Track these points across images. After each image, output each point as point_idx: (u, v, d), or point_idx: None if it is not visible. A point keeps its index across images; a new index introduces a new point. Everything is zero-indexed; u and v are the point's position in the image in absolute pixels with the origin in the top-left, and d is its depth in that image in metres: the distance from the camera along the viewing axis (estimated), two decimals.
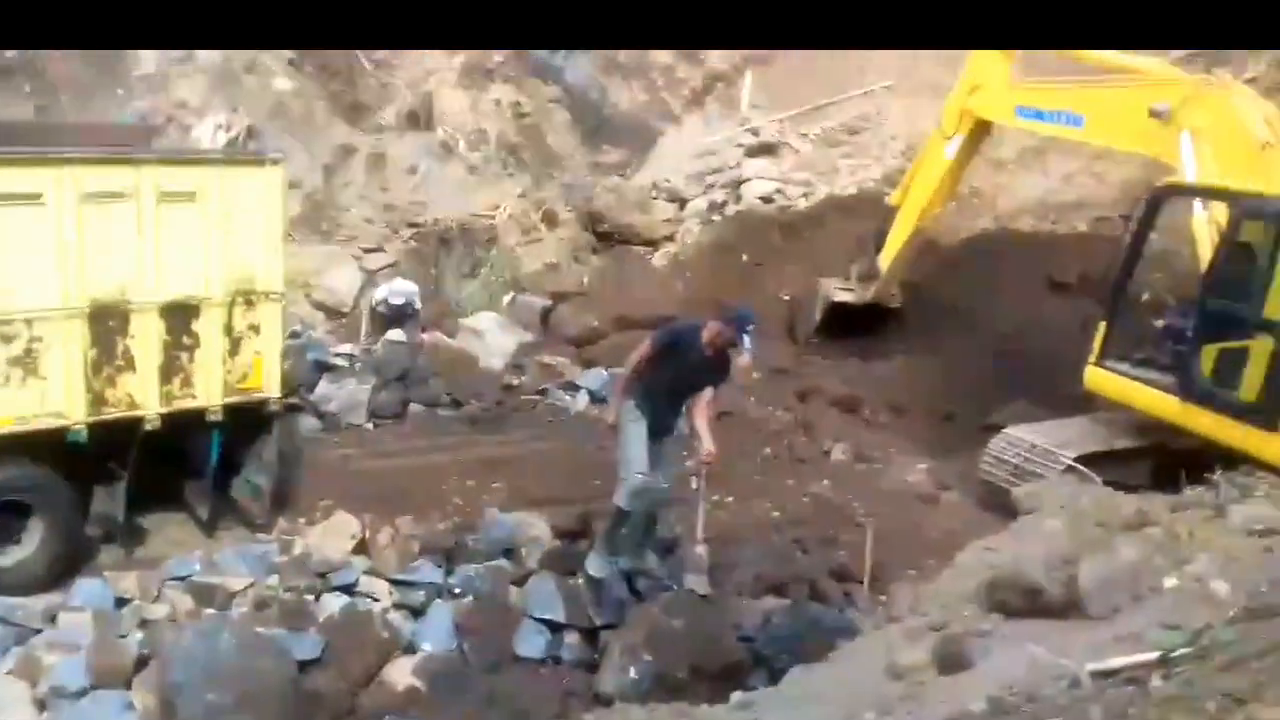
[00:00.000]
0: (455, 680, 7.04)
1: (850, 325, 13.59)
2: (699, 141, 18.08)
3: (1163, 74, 10.10)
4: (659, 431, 7.66)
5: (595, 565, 7.74)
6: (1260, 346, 8.45)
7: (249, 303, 8.22)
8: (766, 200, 16.31)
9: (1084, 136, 11.43)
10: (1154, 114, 9.59)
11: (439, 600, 7.69)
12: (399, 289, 12.46)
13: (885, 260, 13.13)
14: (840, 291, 13.54)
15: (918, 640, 5.26)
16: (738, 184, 16.74)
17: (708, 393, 7.61)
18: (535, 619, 7.63)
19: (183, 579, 7.51)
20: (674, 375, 7.48)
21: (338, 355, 11.71)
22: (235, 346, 8.21)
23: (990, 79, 11.89)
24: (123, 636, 6.92)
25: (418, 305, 12.50)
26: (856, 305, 13.49)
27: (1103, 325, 9.83)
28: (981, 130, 12.37)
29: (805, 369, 13.00)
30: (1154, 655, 3.71)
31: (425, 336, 12.36)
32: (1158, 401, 9.17)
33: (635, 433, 7.48)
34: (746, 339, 7.14)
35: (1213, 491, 5.79)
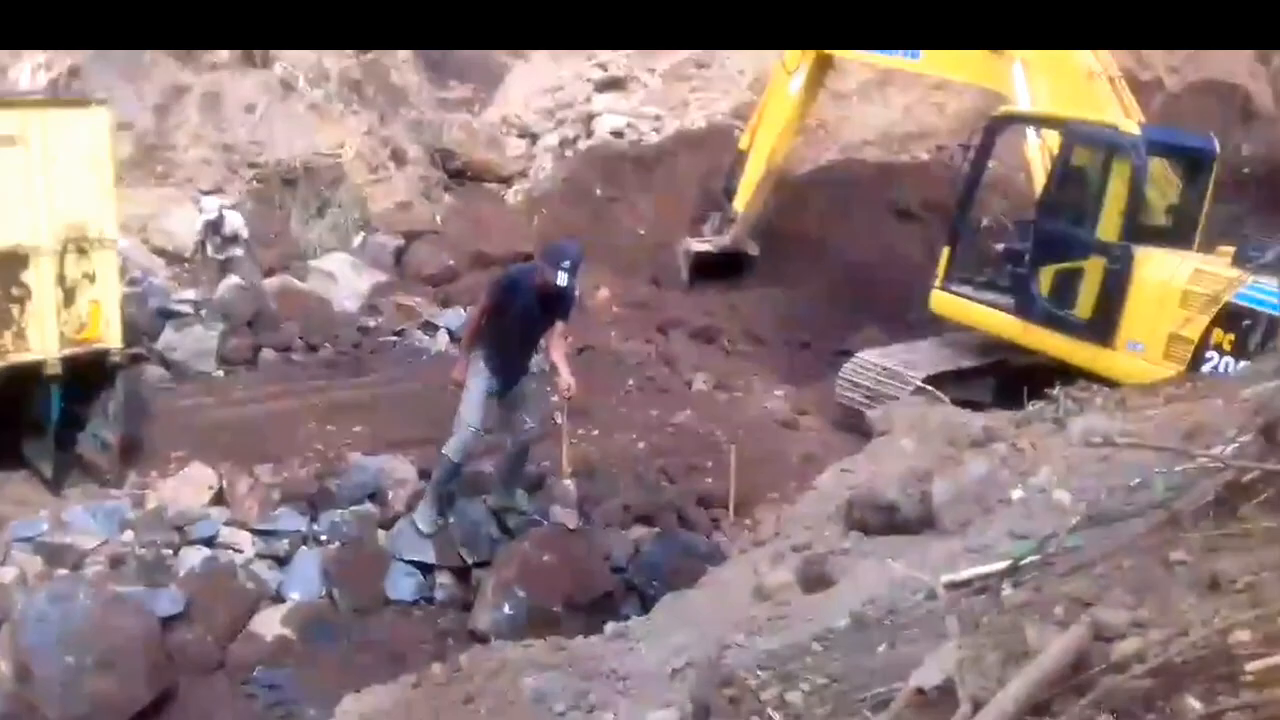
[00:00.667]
0: (326, 627, 6.98)
1: (716, 272, 13.81)
2: (548, 77, 17.86)
3: None
4: (514, 376, 7.74)
5: (423, 518, 7.80)
6: (1094, 266, 8.90)
7: (81, 250, 7.81)
8: (618, 135, 16.27)
9: (922, 68, 11.79)
10: None
11: (304, 548, 7.57)
12: (209, 206, 11.84)
13: (740, 204, 13.33)
14: (699, 243, 13.70)
15: (782, 562, 5.43)
16: (588, 119, 16.65)
17: (558, 327, 7.70)
18: (405, 561, 7.60)
19: (30, 540, 7.18)
20: (517, 319, 7.52)
21: (181, 301, 11.26)
22: (70, 297, 7.81)
23: None
24: None
25: (242, 231, 11.81)
26: (717, 254, 13.67)
27: (945, 250, 10.20)
28: (824, 64, 12.59)
29: (664, 302, 13.12)
30: (1003, 565, 3.90)
31: (273, 280, 11.97)
32: (1000, 322, 9.60)
33: (476, 386, 7.56)
34: (562, 275, 7.17)
35: (1052, 406, 6.09)
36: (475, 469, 8.26)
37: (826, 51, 12.28)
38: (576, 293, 7.96)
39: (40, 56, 12.91)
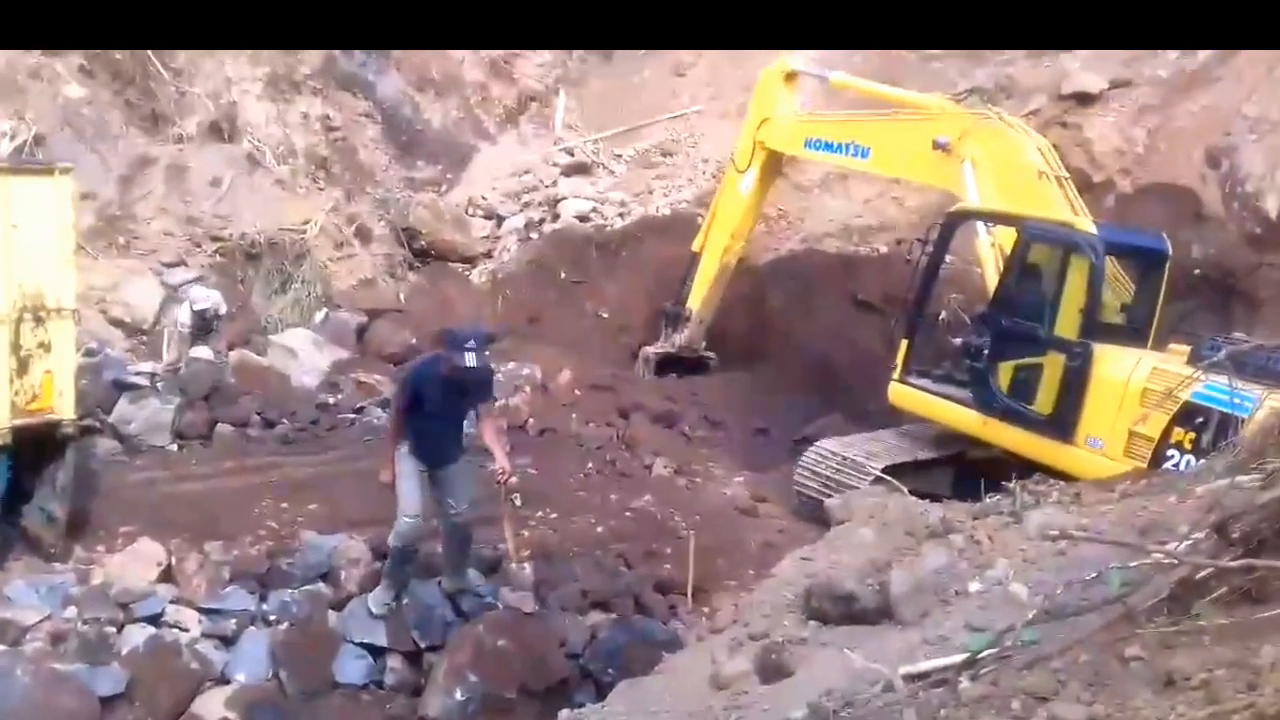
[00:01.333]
0: (272, 711, 6.82)
1: (678, 370, 13.94)
2: (514, 160, 18.06)
3: (943, 108, 10.72)
4: (441, 460, 7.70)
5: (376, 600, 7.76)
6: (1053, 363, 9.02)
7: (38, 319, 7.74)
8: (583, 219, 16.44)
9: (871, 167, 12.05)
10: (936, 146, 10.21)
11: (252, 628, 7.42)
12: (201, 296, 11.70)
13: (694, 303, 13.47)
14: (658, 349, 13.84)
15: (740, 650, 5.38)
16: (554, 202, 16.82)
17: (484, 410, 7.72)
18: (355, 644, 7.46)
19: None
20: (434, 409, 7.52)
21: (138, 374, 11.12)
22: (23, 366, 7.71)
23: (778, 111, 12.34)
24: None
25: (223, 311, 11.81)
26: (675, 354, 13.84)
27: (903, 343, 10.31)
28: (774, 163, 12.85)
29: (626, 386, 13.15)
30: (961, 657, 3.89)
31: (233, 354, 11.88)
32: (958, 415, 9.67)
33: (405, 472, 7.58)
34: (469, 356, 7.19)
35: (1009, 499, 6.13)
36: (430, 551, 8.16)
37: (776, 149, 12.53)
38: (493, 372, 8.10)
39: (4, 124, 12.90)
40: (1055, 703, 3.02)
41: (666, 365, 13.94)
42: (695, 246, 13.54)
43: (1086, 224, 9.05)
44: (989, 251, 9.94)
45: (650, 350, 13.93)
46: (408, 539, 7.58)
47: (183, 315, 11.27)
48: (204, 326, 11.33)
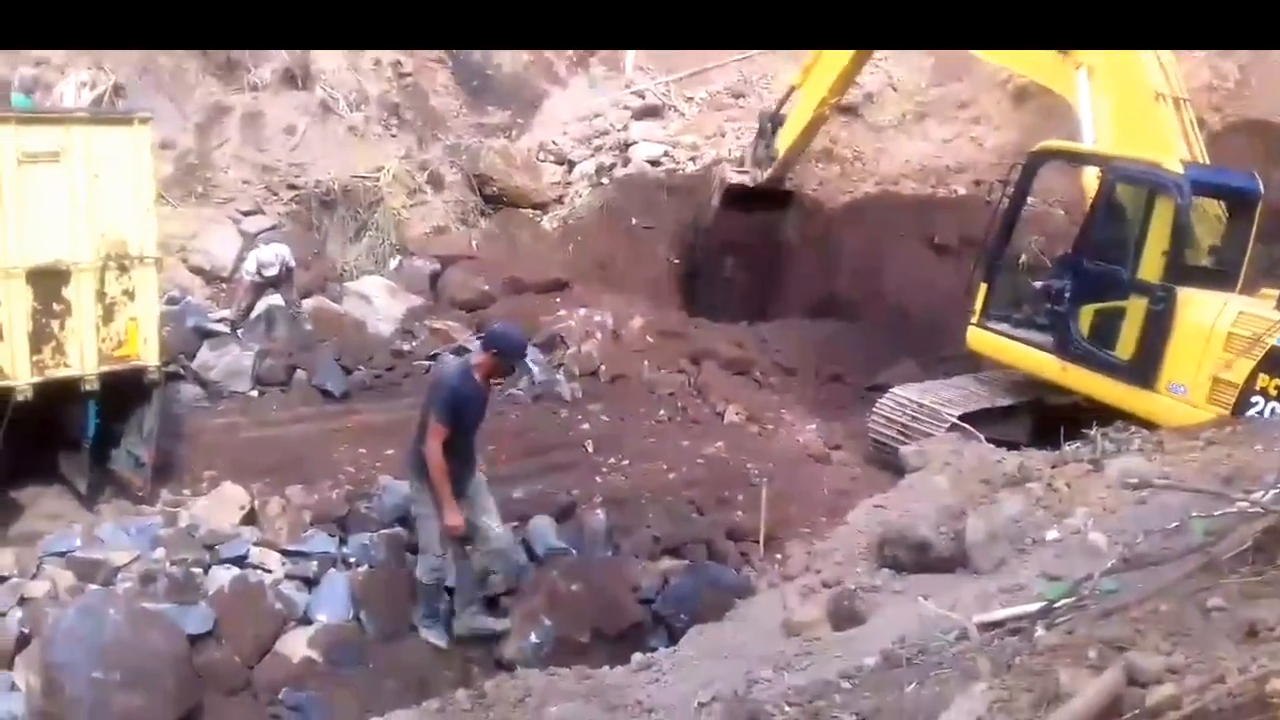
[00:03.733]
0: (352, 651, 6.96)
1: (747, 209, 13.75)
2: (584, 104, 17.96)
3: None
4: (470, 478, 7.21)
5: (436, 636, 7.24)
6: (1136, 307, 8.79)
7: (122, 268, 7.91)
8: (654, 163, 16.32)
9: (985, 54, 11.34)
10: None
11: (333, 570, 7.55)
12: (267, 260, 11.34)
13: (782, 143, 13.22)
14: (736, 174, 13.61)
15: (812, 597, 5.40)
16: (625, 147, 16.71)
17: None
18: None
19: (63, 554, 7.23)
20: (471, 424, 7.14)
21: (218, 321, 11.37)
22: (109, 313, 7.90)
23: None
24: (1, 615, 6.67)
25: (291, 264, 11.59)
26: (752, 188, 13.65)
27: (982, 286, 10.12)
28: None
29: (696, 332, 13.11)
30: (1037, 606, 3.86)
31: (309, 301, 12.06)
32: (1037, 360, 9.50)
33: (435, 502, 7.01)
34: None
35: (1090, 447, 6.04)
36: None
37: None
38: None
39: (85, 74, 13.14)
40: (1133, 652, 2.97)
41: (737, 200, 13.74)
42: (794, 81, 13.19)
43: (1174, 163, 8.74)
44: (1094, 185, 9.50)
45: (730, 173, 13.66)
46: (443, 574, 7.17)
47: (249, 265, 11.39)
48: (274, 280, 11.42)
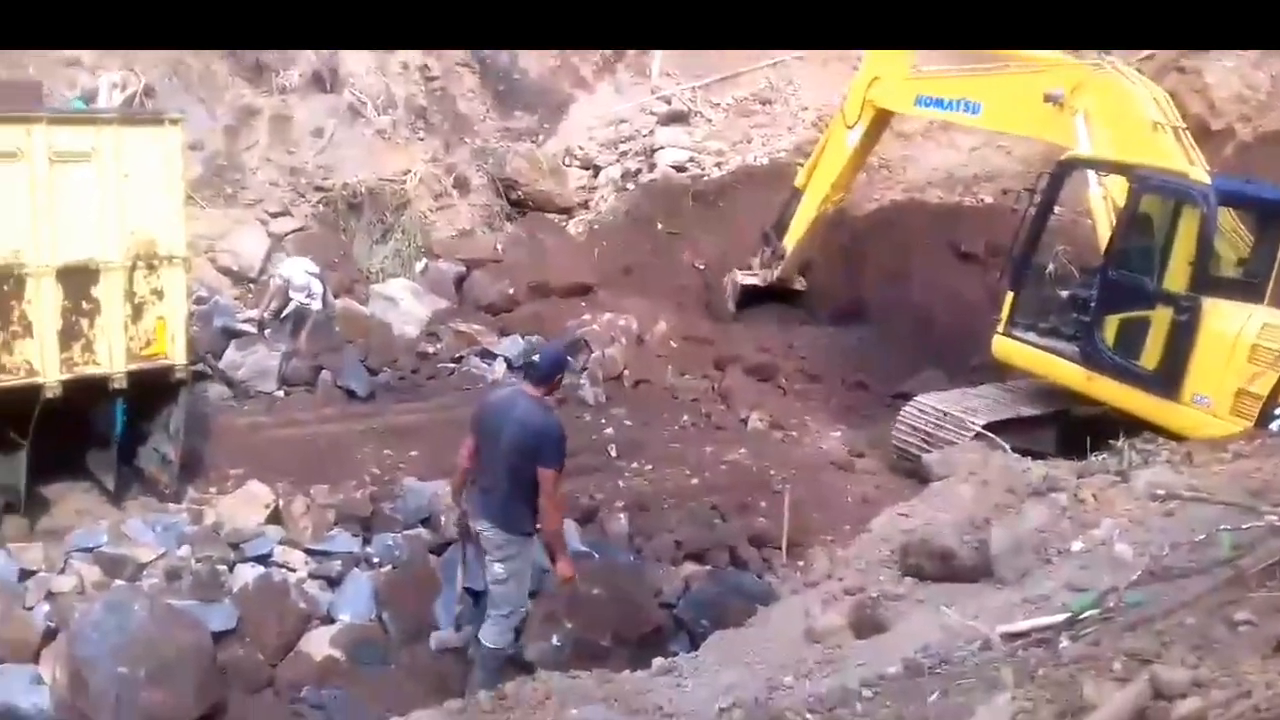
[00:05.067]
0: (375, 650, 6.99)
1: (762, 303, 13.89)
2: (611, 109, 18.00)
3: (1055, 60, 10.40)
4: None
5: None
6: (1161, 317, 8.74)
7: (151, 267, 7.97)
8: (680, 169, 16.34)
9: (983, 123, 11.86)
10: (1048, 99, 9.93)
11: (356, 570, 7.60)
12: (300, 280, 11.36)
13: (789, 242, 13.41)
14: (747, 277, 13.81)
15: (834, 605, 5.37)
16: (651, 152, 16.73)
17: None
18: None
19: (90, 550, 7.31)
20: None
21: (245, 321, 11.46)
22: (138, 312, 7.96)
23: (889, 70, 12.15)
24: (29, 609, 6.74)
25: (318, 289, 11.52)
26: (764, 287, 13.85)
27: (1009, 295, 10.08)
28: (882, 119, 12.71)
29: (722, 338, 13.12)
30: (1062, 617, 3.84)
31: (336, 302, 12.13)
32: (1063, 370, 9.45)
33: (532, 560, 6.62)
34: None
35: (1116, 458, 5.99)
36: None
37: (885, 108, 12.36)
38: None
39: (116, 75, 13.26)
40: (1159, 665, 2.95)
41: (753, 298, 13.92)
42: (797, 183, 13.44)
43: (1200, 173, 8.71)
44: (1100, 203, 9.65)
45: (740, 277, 13.88)
46: (516, 638, 6.58)
47: (284, 271, 11.44)
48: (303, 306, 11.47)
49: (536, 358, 7.10)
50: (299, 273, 11.36)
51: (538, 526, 6.30)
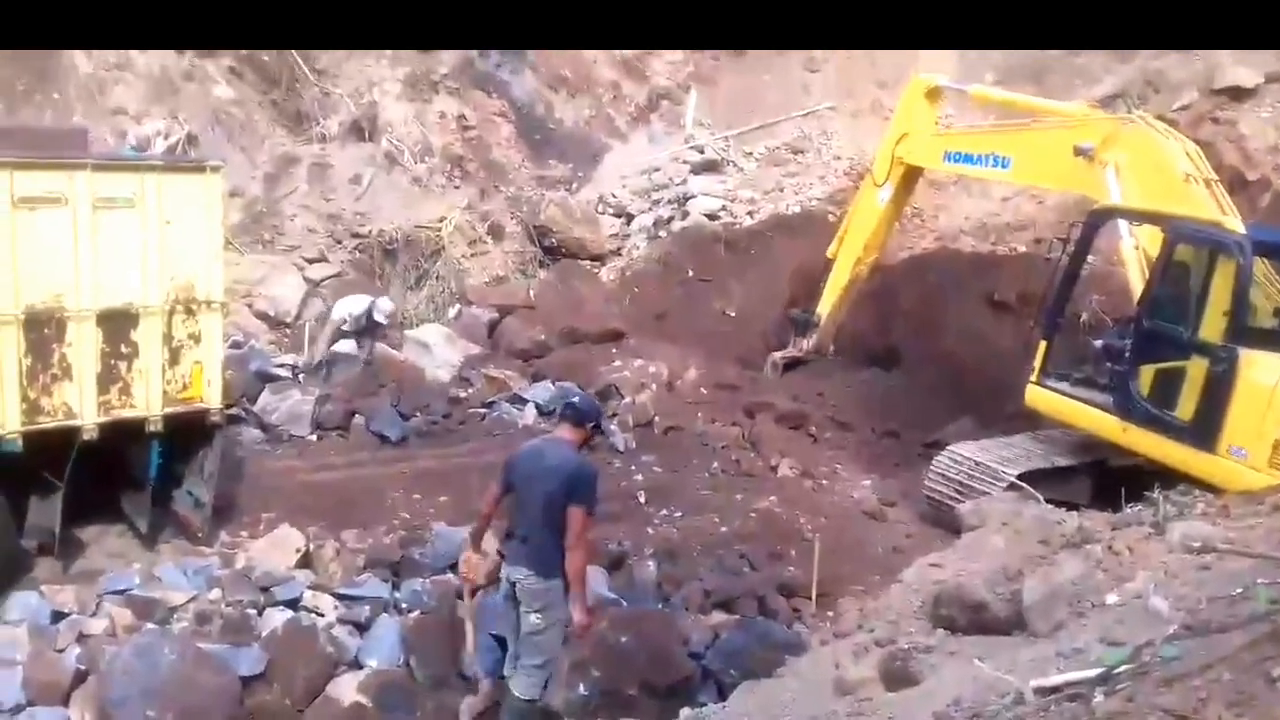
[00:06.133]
0: (402, 696, 6.96)
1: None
2: (644, 157, 18.17)
3: (1084, 114, 10.42)
4: None
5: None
6: (1196, 367, 8.66)
7: (189, 311, 8.08)
8: (712, 217, 16.44)
9: (1012, 178, 11.91)
10: (1078, 152, 9.94)
11: (385, 615, 7.59)
12: (385, 306, 11.83)
13: (823, 309, 13.42)
14: (784, 356, 13.88)
15: (864, 656, 5.31)
16: (683, 200, 16.86)
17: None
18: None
19: (122, 592, 7.35)
20: None
21: (280, 366, 11.57)
22: (175, 356, 8.06)
23: (918, 127, 12.23)
24: (60, 651, 6.76)
25: (386, 306, 12.01)
26: (800, 356, 13.88)
27: (1042, 345, 10.02)
28: (912, 176, 12.83)
29: (752, 385, 13.09)
30: (1096, 672, 3.77)
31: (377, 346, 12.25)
32: (1097, 420, 9.36)
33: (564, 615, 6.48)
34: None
35: (1152, 509, 5.91)
36: None
37: (914, 164, 12.43)
38: None
39: (160, 123, 13.54)
40: None
41: (792, 368, 13.94)
42: (830, 253, 13.49)
43: (1235, 223, 8.66)
44: (1132, 253, 9.62)
45: (778, 356, 13.91)
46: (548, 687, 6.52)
47: (337, 312, 11.57)
48: (369, 326, 11.63)
49: (576, 399, 7.13)
50: (358, 305, 11.54)
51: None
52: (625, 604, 7.94)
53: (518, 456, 6.55)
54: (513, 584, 6.36)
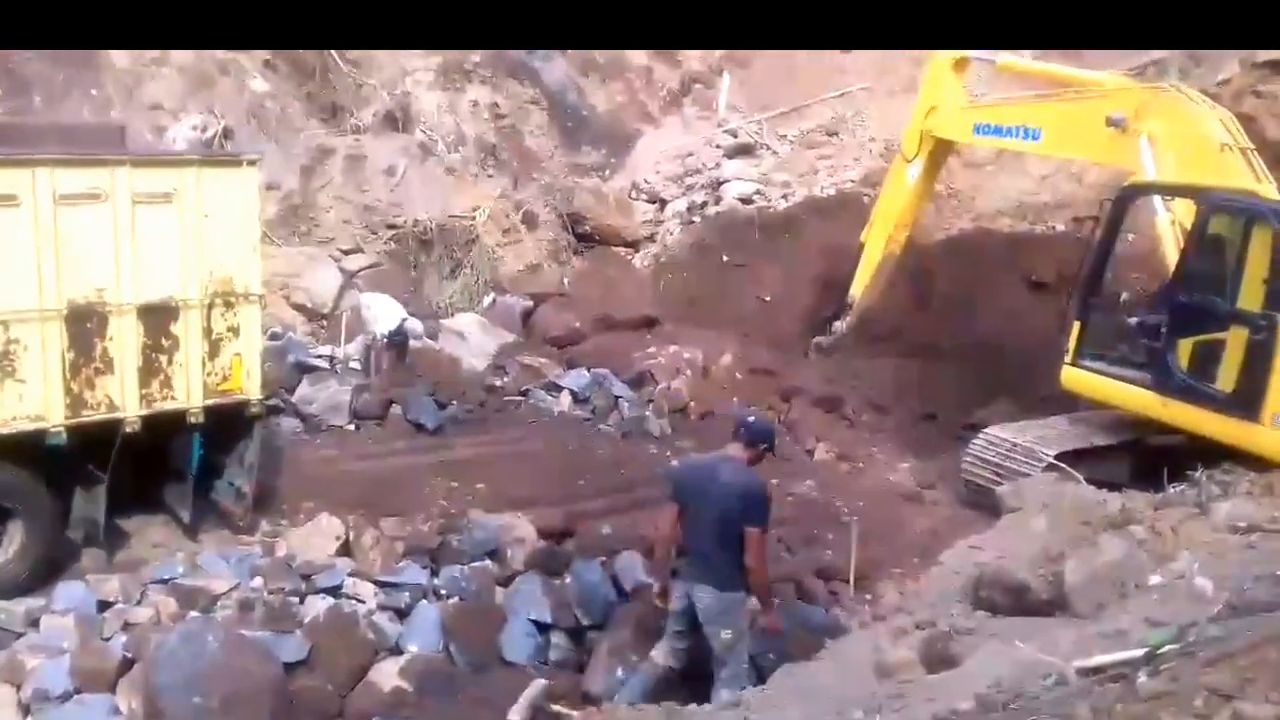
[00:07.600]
0: (442, 681, 7.02)
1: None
2: (677, 143, 18.13)
3: (1116, 83, 10.25)
4: None
5: None
6: (1236, 337, 8.54)
7: (228, 304, 8.13)
8: (746, 201, 16.38)
9: (1043, 149, 11.72)
10: (1110, 123, 9.79)
11: (424, 601, 7.65)
12: (415, 329, 11.85)
13: (856, 290, 13.28)
14: (823, 341, 13.75)
15: (904, 639, 5.30)
16: (717, 185, 16.81)
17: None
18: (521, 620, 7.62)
19: (166, 582, 7.44)
20: None
21: (318, 357, 11.65)
22: (214, 348, 8.12)
23: (945, 99, 12.08)
24: (106, 640, 6.87)
25: (417, 337, 12.02)
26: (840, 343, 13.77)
27: (1076, 325, 9.91)
28: (942, 151, 12.66)
29: (788, 369, 13.04)
30: (1140, 652, 3.75)
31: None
32: (1136, 398, 9.25)
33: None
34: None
35: (1195, 489, 5.86)
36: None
37: (944, 138, 12.28)
38: None
39: (197, 118, 13.65)
40: (1241, 701, 2.86)
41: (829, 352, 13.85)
42: (862, 238, 13.34)
43: (1270, 190, 8.52)
44: (1167, 228, 9.48)
45: (823, 340, 13.82)
46: None
47: (380, 329, 11.56)
48: (400, 343, 11.68)
49: (751, 419, 7.24)
50: (393, 320, 11.57)
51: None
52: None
53: (684, 477, 6.82)
54: (690, 600, 6.52)
